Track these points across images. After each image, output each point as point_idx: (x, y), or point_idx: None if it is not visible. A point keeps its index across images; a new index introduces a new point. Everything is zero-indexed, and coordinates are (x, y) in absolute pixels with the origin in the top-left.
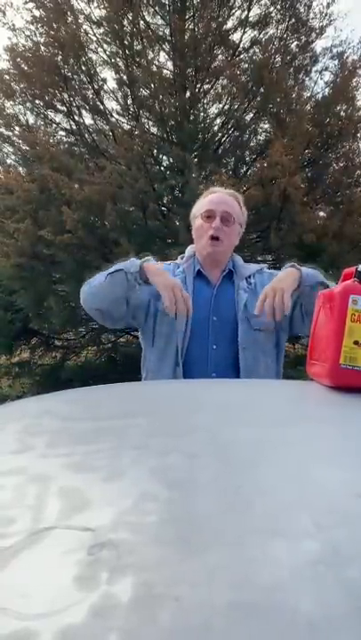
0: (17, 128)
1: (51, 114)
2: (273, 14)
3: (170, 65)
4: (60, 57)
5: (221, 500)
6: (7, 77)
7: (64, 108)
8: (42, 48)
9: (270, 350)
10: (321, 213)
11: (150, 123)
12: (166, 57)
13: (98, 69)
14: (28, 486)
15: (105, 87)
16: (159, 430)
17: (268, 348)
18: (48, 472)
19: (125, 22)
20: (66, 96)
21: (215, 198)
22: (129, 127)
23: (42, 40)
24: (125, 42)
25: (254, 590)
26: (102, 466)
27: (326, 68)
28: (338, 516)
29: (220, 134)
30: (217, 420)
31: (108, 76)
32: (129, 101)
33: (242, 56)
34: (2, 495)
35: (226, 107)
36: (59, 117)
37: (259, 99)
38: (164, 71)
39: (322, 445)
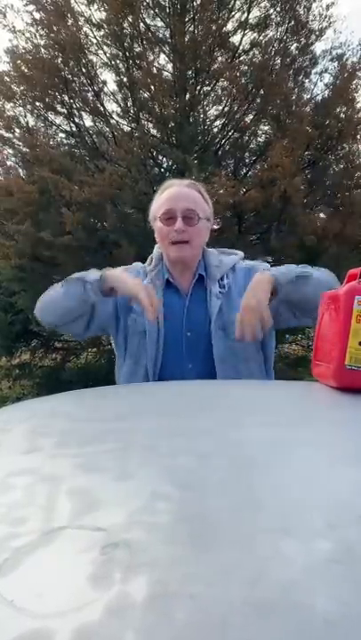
0: (17, 130)
1: (51, 116)
2: (273, 16)
3: (170, 67)
4: (60, 59)
5: (233, 500)
6: (7, 79)
7: (64, 110)
8: (42, 50)
9: (253, 356)
10: (321, 215)
11: (150, 125)
12: (166, 59)
13: (98, 71)
14: (39, 486)
15: (105, 89)
16: (167, 431)
17: (251, 354)
18: (58, 472)
19: (125, 25)
20: (66, 98)
21: (174, 194)
22: (129, 129)
23: (42, 42)
24: (125, 44)
25: (270, 588)
26: (112, 466)
27: (326, 70)
28: (351, 515)
29: (220, 136)
30: (224, 421)
31: (109, 79)
32: (129, 103)
33: (242, 58)
34: (13, 495)
35: (226, 109)
36: (59, 119)
37: (258, 101)
38: (164, 73)
39: (331, 446)
